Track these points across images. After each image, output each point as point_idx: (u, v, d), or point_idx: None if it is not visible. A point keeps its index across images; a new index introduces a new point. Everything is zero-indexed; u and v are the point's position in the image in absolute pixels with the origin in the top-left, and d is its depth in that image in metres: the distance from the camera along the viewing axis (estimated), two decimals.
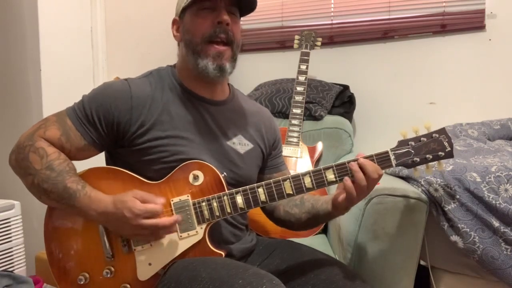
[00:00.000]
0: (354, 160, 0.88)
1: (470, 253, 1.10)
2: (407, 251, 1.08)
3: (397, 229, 1.07)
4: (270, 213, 1.10)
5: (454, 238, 1.12)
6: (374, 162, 0.88)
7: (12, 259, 1.48)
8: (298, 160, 1.70)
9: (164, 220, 0.85)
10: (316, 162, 1.73)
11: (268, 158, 1.12)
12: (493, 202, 1.08)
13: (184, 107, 0.97)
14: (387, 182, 1.15)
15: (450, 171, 1.14)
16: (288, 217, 1.05)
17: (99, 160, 1.04)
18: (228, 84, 1.08)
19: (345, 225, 1.19)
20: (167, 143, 0.93)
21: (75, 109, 0.94)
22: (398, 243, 1.07)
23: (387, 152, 0.89)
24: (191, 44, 0.95)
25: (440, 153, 0.89)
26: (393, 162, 0.89)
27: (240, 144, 1.02)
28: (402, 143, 0.91)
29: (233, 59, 0.96)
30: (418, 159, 0.90)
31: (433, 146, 0.90)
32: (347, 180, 0.87)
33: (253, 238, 1.08)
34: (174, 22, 1.01)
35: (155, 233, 0.86)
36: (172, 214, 0.90)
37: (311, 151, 1.74)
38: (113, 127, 0.92)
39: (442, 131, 0.90)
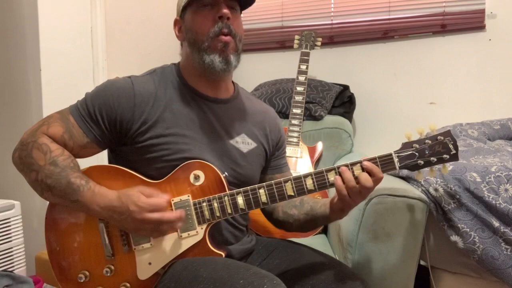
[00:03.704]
0: (358, 162, 0.87)
1: (470, 253, 1.10)
2: (407, 251, 1.08)
3: (397, 229, 1.07)
4: (269, 215, 1.10)
5: (454, 238, 1.12)
6: (378, 165, 0.86)
7: (12, 259, 1.47)
8: (298, 160, 1.70)
9: (168, 214, 0.85)
10: (316, 162, 1.73)
11: (271, 159, 1.11)
12: (493, 202, 1.08)
13: (187, 105, 0.97)
14: (387, 182, 1.15)
15: (450, 171, 1.14)
16: (286, 218, 1.05)
17: (100, 158, 1.04)
18: (233, 82, 1.08)
19: (345, 225, 1.20)
20: (169, 141, 0.93)
21: (78, 107, 0.94)
22: (398, 243, 1.07)
23: (390, 154, 0.88)
24: (195, 43, 0.95)
25: (445, 155, 0.87)
26: (397, 165, 0.87)
27: (243, 143, 1.02)
28: (406, 145, 0.88)
29: (237, 53, 0.96)
30: (422, 162, 0.88)
31: (438, 148, 0.87)
32: (337, 179, 0.86)
33: (252, 239, 1.08)
34: (175, 22, 1.02)
35: (158, 228, 0.86)
36: None
37: (311, 151, 1.74)
38: (116, 125, 0.92)
39: (447, 133, 0.88)
